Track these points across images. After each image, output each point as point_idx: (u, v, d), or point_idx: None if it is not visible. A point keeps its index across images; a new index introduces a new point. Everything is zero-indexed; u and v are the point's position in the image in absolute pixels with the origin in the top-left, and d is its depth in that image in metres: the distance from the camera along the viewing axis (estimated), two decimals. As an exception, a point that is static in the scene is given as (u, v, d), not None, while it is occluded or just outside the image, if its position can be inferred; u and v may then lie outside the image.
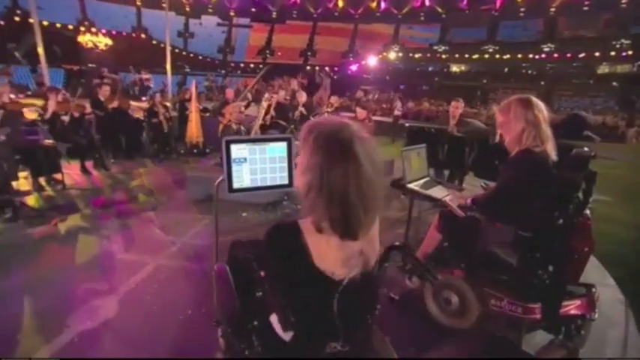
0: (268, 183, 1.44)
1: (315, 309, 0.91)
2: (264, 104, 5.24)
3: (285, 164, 1.41)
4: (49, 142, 4.12)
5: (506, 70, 21.81)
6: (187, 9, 22.34)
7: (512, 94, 1.90)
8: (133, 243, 2.98)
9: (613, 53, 18.69)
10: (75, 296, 2.22)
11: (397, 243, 1.03)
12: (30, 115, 4.34)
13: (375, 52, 22.03)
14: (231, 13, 24.19)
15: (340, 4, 23.55)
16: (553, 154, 1.75)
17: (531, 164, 1.74)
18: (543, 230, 1.76)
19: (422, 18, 23.43)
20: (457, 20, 22.55)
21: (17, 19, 17.47)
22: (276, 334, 0.95)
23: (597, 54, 18.99)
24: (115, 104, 5.51)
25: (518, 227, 1.81)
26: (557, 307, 1.75)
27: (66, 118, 4.64)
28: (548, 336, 1.88)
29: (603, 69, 19.73)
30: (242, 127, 5.58)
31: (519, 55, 20.94)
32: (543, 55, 20.36)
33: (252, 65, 24.17)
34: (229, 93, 6.59)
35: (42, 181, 4.10)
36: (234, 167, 1.35)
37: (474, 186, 3.28)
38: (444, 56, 23.21)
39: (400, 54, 23.68)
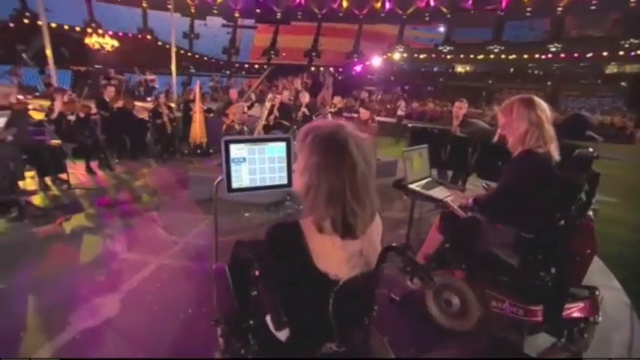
0: (267, 183, 1.44)
1: (311, 309, 0.92)
2: (268, 105, 5.26)
3: (285, 164, 1.42)
4: (55, 142, 4.18)
5: (511, 70, 21.60)
6: (192, 10, 22.48)
7: (518, 94, 1.87)
8: (136, 242, 3.01)
9: (621, 53, 18.41)
10: (78, 294, 2.25)
11: (394, 244, 1.03)
12: (36, 115, 4.40)
13: (380, 53, 21.97)
14: (236, 15, 24.27)
15: (345, 4, 23.52)
16: (556, 155, 1.74)
17: (534, 165, 1.72)
18: (545, 231, 1.74)
19: (427, 18, 23.32)
20: (462, 20, 22.39)
21: (26, 21, 17.72)
22: (271, 333, 0.95)
23: (605, 54, 18.73)
24: (119, 104, 5.56)
25: (520, 228, 1.79)
26: (560, 309, 1.73)
27: (72, 118, 4.69)
28: (551, 339, 1.87)
29: (611, 69, 19.44)
30: (245, 128, 5.61)
31: (525, 56, 20.71)
32: (550, 55, 20.11)
33: (256, 66, 24.26)
34: (233, 93, 6.63)
35: (48, 180, 4.15)
36: (233, 167, 1.36)
37: (477, 187, 3.25)
38: (448, 57, 23.06)
39: (405, 54, 23.58)
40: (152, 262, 2.68)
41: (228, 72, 23.29)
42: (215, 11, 23.59)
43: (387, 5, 23.02)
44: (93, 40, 16.06)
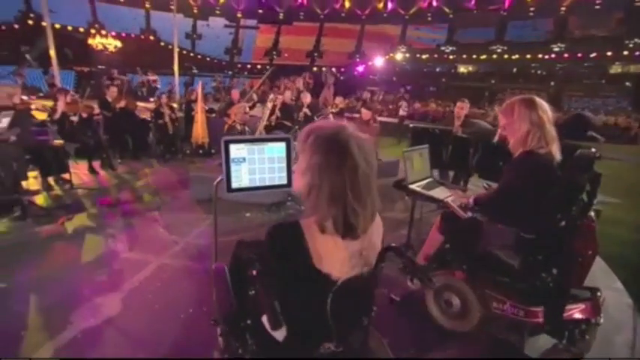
0: (267, 183, 1.44)
1: (309, 309, 0.92)
2: (269, 105, 5.27)
3: (284, 164, 1.42)
4: (58, 142, 4.21)
5: (514, 70, 21.52)
6: (195, 11, 22.58)
7: (521, 94, 1.86)
8: (137, 242, 3.02)
9: (626, 53, 18.29)
10: (79, 293, 2.26)
11: (393, 244, 1.02)
12: (39, 115, 4.43)
13: (382, 53, 21.95)
14: (239, 15, 24.34)
15: (347, 5, 23.53)
16: (558, 155, 1.72)
17: (536, 166, 1.71)
18: (546, 232, 1.73)
19: (429, 18, 23.27)
20: (465, 20, 22.34)
21: (31, 22, 17.85)
22: (268, 333, 0.95)
23: (609, 53, 18.61)
24: (122, 104, 5.59)
25: (520, 229, 1.78)
26: (561, 310, 1.72)
27: (75, 119, 4.72)
28: (552, 340, 1.85)
29: (616, 69, 19.31)
30: (246, 128, 5.62)
31: (528, 56, 20.63)
32: (553, 55, 20.02)
33: (259, 66, 24.30)
34: (235, 94, 6.64)
35: (51, 180, 4.18)
36: (233, 167, 1.36)
37: (479, 187, 3.24)
38: (451, 57, 23.01)
39: (407, 55, 23.55)
40: (153, 261, 2.69)
41: (230, 72, 23.33)
42: (217, 12, 23.67)
43: (390, 5, 23.00)
44: (96, 41, 16.15)
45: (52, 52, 8.22)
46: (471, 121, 4.24)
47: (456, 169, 3.95)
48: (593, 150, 1.90)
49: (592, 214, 1.78)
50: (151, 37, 21.58)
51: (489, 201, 1.94)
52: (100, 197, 3.95)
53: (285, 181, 1.46)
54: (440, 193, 2.36)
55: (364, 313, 1.05)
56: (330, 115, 5.17)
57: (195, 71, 21.10)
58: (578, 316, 1.74)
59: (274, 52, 25.24)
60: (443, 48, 23.30)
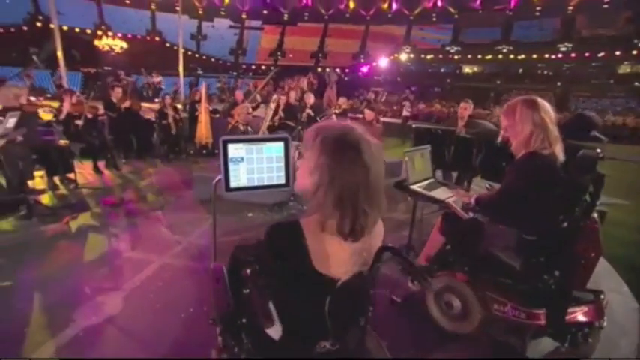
0: (265, 182, 1.44)
1: (307, 308, 0.92)
2: (272, 105, 5.28)
3: (282, 164, 1.42)
4: (63, 142, 4.26)
5: (520, 70, 21.32)
6: (200, 12, 22.72)
7: (526, 95, 1.83)
8: (140, 241, 3.04)
9: (635, 52, 18.03)
10: (82, 292, 2.29)
11: (390, 244, 1.02)
12: (45, 116, 4.49)
13: (387, 54, 21.89)
14: (243, 16, 24.44)
15: (351, 5, 23.50)
16: (561, 156, 1.70)
17: (540, 168, 1.68)
18: (547, 233, 1.71)
19: (434, 19, 23.16)
20: (470, 21, 22.19)
21: (39, 24, 18.11)
22: (264, 332, 0.95)
23: (618, 53, 18.36)
24: (127, 105, 5.65)
25: (521, 230, 1.76)
26: (563, 313, 1.70)
27: (80, 123, 4.76)
28: (555, 343, 1.83)
29: (624, 69, 19.04)
30: (249, 128, 5.64)
31: (534, 56, 20.41)
32: (560, 55, 19.80)
33: (263, 67, 24.37)
34: (239, 95, 6.68)
35: (56, 180, 4.23)
36: (231, 167, 1.37)
37: (482, 188, 3.21)
38: (456, 57, 22.88)
39: (412, 55, 23.45)
40: (155, 260, 2.71)
41: (235, 73, 23.44)
42: (222, 13, 23.78)
43: (394, 6, 22.92)
44: (103, 43, 16.35)
45: (60, 54, 8.32)
46: (475, 122, 4.21)
47: (459, 170, 3.93)
48: (598, 151, 1.88)
49: (595, 215, 1.76)
50: (157, 39, 21.75)
51: (491, 202, 1.92)
52: (104, 197, 3.99)
53: (283, 181, 1.46)
54: (441, 193, 2.34)
55: (361, 313, 1.05)
56: (334, 116, 5.17)
57: (200, 72, 21.24)
58: (580, 318, 1.72)
59: (279, 53, 25.29)
60: (448, 48, 23.16)
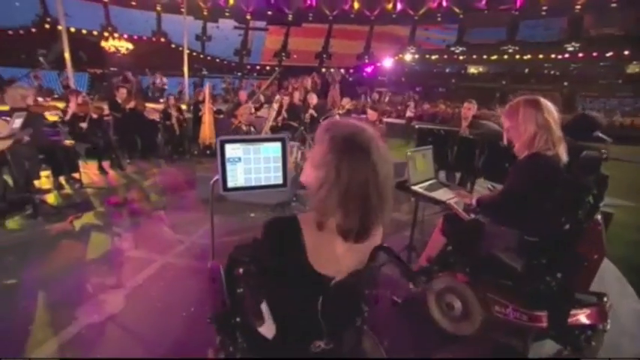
0: (263, 182, 1.45)
1: (300, 306, 0.91)
2: (275, 106, 5.30)
3: (280, 164, 1.42)
4: (69, 142, 4.32)
5: (526, 71, 21.13)
6: (205, 13, 22.87)
7: (531, 95, 1.80)
8: (143, 241, 3.06)
9: (643, 52, 17.78)
10: (84, 290, 2.31)
11: (385, 244, 1.01)
12: (51, 117, 4.55)
13: (391, 54, 21.83)
14: (248, 17, 24.55)
15: (356, 6, 23.49)
16: (564, 157, 1.67)
17: (544, 169, 1.65)
18: (549, 235, 1.69)
19: (439, 19, 23.05)
20: (475, 21, 22.05)
21: (47, 26, 18.37)
22: (258, 331, 0.95)
23: (626, 53, 18.09)
24: (131, 105, 5.70)
25: (524, 231, 1.74)
26: (565, 315, 1.68)
27: (84, 125, 4.79)
28: (557, 346, 1.81)
29: (633, 68, 18.76)
30: (252, 129, 5.66)
31: (541, 56, 20.22)
32: (567, 55, 19.59)
33: (267, 68, 24.45)
34: (242, 95, 6.71)
35: (62, 179, 4.28)
36: (229, 167, 1.37)
37: (485, 189, 3.18)
38: (461, 57, 22.75)
39: (416, 55, 23.38)
40: (158, 260, 2.73)
41: (239, 74, 23.55)
42: (227, 14, 23.91)
43: (399, 6, 22.86)
44: (109, 44, 16.53)
45: (67, 55, 8.45)
46: (479, 122, 4.18)
47: (461, 171, 3.90)
48: (603, 151, 1.85)
49: (599, 216, 1.73)
50: (162, 40, 21.95)
51: (493, 203, 1.90)
52: (108, 197, 4.02)
53: (280, 181, 1.46)
54: (443, 194, 2.33)
55: (357, 313, 1.04)
56: (337, 117, 5.16)
57: (204, 73, 21.34)
58: (583, 321, 1.70)
59: (283, 54, 25.35)
60: (453, 48, 23.04)
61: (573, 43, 19.54)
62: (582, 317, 1.69)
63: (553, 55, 19.96)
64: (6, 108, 4.00)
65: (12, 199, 3.37)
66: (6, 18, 17.28)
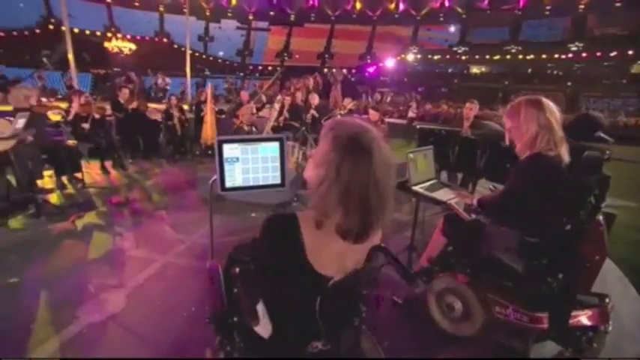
0: (261, 182, 1.45)
1: (298, 305, 0.91)
2: (276, 106, 5.30)
3: (278, 164, 1.42)
4: (72, 142, 4.34)
5: (529, 71, 21.02)
6: (207, 13, 22.95)
7: (533, 95, 1.79)
8: (144, 240, 3.07)
9: (648, 52, 17.64)
10: (86, 289, 2.32)
11: (382, 244, 1.01)
12: (54, 117, 4.58)
13: (393, 54, 21.79)
14: (250, 17, 24.62)
15: (358, 6, 23.48)
16: (566, 158, 1.66)
17: (544, 169, 1.64)
18: (550, 236, 1.68)
19: (441, 19, 22.99)
20: (478, 21, 21.96)
21: (51, 27, 18.50)
22: (255, 331, 0.95)
23: (631, 52, 17.95)
24: (134, 105, 5.72)
25: (525, 232, 1.73)
26: (567, 316, 1.67)
27: (86, 126, 4.82)
28: (558, 347, 1.80)
29: (637, 68, 18.61)
30: (254, 129, 5.67)
31: (544, 56, 20.11)
32: (570, 55, 19.47)
33: (270, 68, 24.49)
34: (244, 95, 6.72)
35: (64, 179, 4.31)
36: (227, 166, 1.37)
37: (487, 189, 3.17)
38: (463, 57, 22.67)
39: (419, 56, 23.32)
40: (158, 259, 2.74)
41: (242, 74, 23.60)
42: (229, 14, 23.97)
43: (401, 6, 22.82)
44: (112, 44, 16.62)
45: (71, 56, 8.48)
46: (481, 123, 4.16)
47: (463, 171, 3.89)
48: (607, 152, 1.84)
49: (600, 217, 1.72)
50: (165, 40, 22.04)
51: (494, 203, 1.90)
52: (110, 196, 4.04)
53: (278, 181, 1.46)
54: (443, 194, 2.32)
55: (355, 313, 1.04)
56: (339, 117, 5.16)
57: (207, 73, 21.43)
58: (585, 322, 1.69)
59: (285, 54, 25.37)
60: (455, 49, 22.96)
61: (577, 43, 19.42)
62: (584, 318, 1.68)
63: (556, 55, 19.84)
64: (9, 108, 4.03)
65: (15, 198, 3.39)
66: (10, 19, 17.44)
